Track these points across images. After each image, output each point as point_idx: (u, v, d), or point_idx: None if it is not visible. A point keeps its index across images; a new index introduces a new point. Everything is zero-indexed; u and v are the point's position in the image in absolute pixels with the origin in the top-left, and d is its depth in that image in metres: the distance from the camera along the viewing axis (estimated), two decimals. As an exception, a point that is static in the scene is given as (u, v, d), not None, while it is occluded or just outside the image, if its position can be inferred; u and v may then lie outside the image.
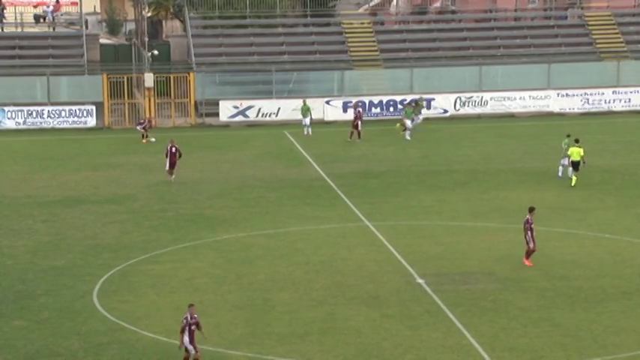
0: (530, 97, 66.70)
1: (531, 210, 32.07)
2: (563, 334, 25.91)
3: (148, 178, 47.99)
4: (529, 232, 31.75)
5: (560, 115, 65.35)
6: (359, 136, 56.29)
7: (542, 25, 75.79)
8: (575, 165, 43.54)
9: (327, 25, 74.91)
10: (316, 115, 65.24)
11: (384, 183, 45.67)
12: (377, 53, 70.58)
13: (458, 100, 66.40)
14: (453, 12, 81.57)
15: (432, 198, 42.28)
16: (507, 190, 43.44)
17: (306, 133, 58.76)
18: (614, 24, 72.50)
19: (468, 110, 66.25)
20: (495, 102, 66.59)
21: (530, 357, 24.42)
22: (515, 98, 66.63)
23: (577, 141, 44.28)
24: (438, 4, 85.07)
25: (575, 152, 43.74)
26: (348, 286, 30.25)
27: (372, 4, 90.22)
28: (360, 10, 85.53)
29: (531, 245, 31.80)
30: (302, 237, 36.28)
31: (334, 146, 55.99)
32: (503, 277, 30.85)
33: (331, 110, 65.77)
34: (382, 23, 77.37)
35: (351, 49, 70.83)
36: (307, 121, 58.93)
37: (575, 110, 66.18)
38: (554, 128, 59.63)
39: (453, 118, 65.37)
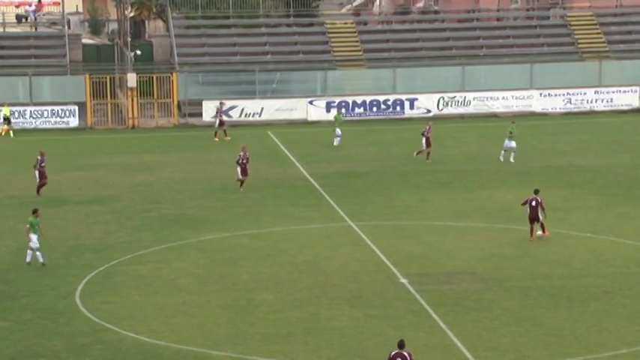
0: (512, 97, 66.90)
1: (537, 192, 34.51)
2: (546, 334, 25.98)
3: (132, 178, 47.90)
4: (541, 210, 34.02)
5: (543, 115, 65.54)
6: (428, 156, 50.35)
7: (525, 25, 76.03)
8: None
9: (310, 25, 74.93)
10: (299, 115, 65.30)
11: (367, 183, 45.72)
12: (360, 53, 70.64)
13: (441, 100, 66.53)
14: (436, 12, 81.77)
15: (416, 198, 42.34)
16: (490, 190, 43.55)
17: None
18: (595, 24, 72.79)
19: (451, 110, 66.39)
20: (478, 102, 66.75)
21: (513, 356, 24.47)
22: (497, 98, 66.80)
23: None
24: (420, 4, 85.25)
25: None
26: (332, 286, 30.26)
27: (355, 4, 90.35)
28: (343, 10, 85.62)
29: (541, 218, 34.07)
30: (286, 237, 36.27)
31: (318, 146, 55.99)
32: (486, 276, 30.92)
33: (314, 110, 65.78)
34: (365, 23, 77.46)
35: (334, 49, 70.88)
36: (338, 131, 55.94)
37: (558, 110, 66.41)
38: (536, 128, 59.80)
39: (436, 118, 65.45)
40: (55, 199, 42.90)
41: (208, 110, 65.20)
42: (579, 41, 71.76)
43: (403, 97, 66.45)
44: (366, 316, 27.39)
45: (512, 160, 47.68)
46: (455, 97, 66.68)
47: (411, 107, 66.22)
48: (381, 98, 66.22)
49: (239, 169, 43.49)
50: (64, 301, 28.96)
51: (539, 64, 68.17)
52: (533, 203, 34.38)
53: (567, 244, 34.49)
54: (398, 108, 66.24)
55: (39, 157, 43.86)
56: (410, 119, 65.38)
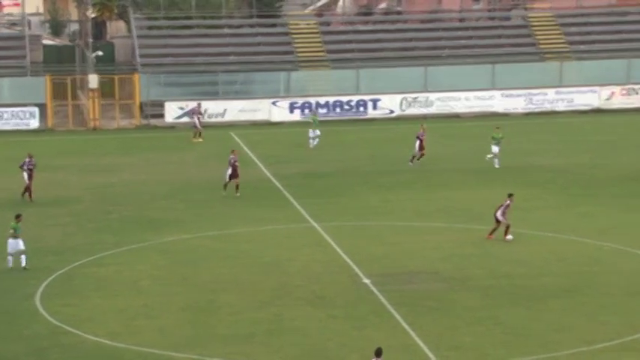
0: (474, 97, 67.16)
1: (510, 195, 34.69)
2: (506, 332, 26.12)
3: (92, 180, 47.60)
4: (503, 211, 34.27)
5: (504, 115, 65.85)
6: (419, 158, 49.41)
7: (487, 25, 76.39)
8: None
9: (274, 25, 74.84)
10: (262, 116, 65.21)
11: (330, 184, 45.72)
12: (323, 54, 70.67)
13: (404, 101, 66.67)
14: (399, 13, 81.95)
15: (378, 198, 42.40)
16: (452, 190, 43.69)
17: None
18: (556, 25, 73.25)
19: (413, 110, 66.55)
20: (441, 102, 66.96)
21: (474, 355, 24.57)
22: (460, 98, 67.04)
23: None
24: (383, 5, 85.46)
25: None
26: (294, 286, 30.24)
27: (318, 4, 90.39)
28: (307, 11, 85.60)
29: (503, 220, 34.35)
30: (248, 238, 36.20)
31: (281, 147, 55.93)
32: (448, 276, 31.03)
33: (277, 111, 65.71)
34: (328, 24, 77.49)
35: (298, 49, 70.85)
36: (313, 132, 55.36)
37: (519, 110, 66.76)
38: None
39: (399, 119, 65.62)
40: (15, 202, 42.50)
41: (170, 111, 64.93)
42: (540, 42, 72.20)
43: (366, 97, 66.55)
44: (328, 317, 27.39)
45: (496, 165, 47.40)
46: (417, 97, 66.85)
47: (374, 108, 66.31)
48: (344, 99, 66.28)
49: (229, 172, 42.47)
50: (23, 304, 28.72)
51: (501, 64, 68.48)
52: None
53: (528, 243, 34.67)
54: (361, 108, 66.34)
55: (27, 159, 43.43)
56: (373, 120, 65.48)
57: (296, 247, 34.76)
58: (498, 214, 34.61)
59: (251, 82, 67.72)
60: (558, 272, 31.36)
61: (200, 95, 65.74)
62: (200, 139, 58.08)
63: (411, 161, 48.90)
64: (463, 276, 31.00)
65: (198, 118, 58.77)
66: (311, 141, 54.85)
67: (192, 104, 64.18)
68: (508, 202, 34.74)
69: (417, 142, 49.09)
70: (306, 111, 64.85)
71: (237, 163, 42.50)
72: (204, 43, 71.11)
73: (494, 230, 34.75)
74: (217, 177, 47.41)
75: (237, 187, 42.29)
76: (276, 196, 43.10)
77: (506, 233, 34.68)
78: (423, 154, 48.83)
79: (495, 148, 47.58)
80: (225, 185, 42.56)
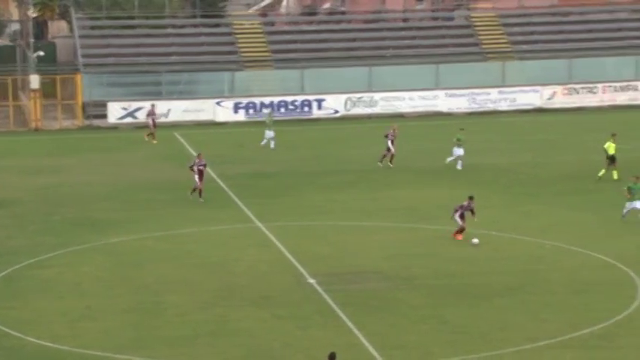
0: (418, 97, 67.44)
1: (471, 198, 34.87)
2: (451, 331, 26.25)
3: (34, 181, 47.05)
4: (458, 215, 34.47)
5: (448, 115, 66.22)
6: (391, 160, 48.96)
7: (430, 25, 76.77)
8: (612, 159, 44.50)
9: (217, 26, 74.57)
10: (207, 116, 64.93)
11: (275, 184, 45.65)
12: (267, 54, 70.56)
13: (348, 101, 66.78)
14: (343, 13, 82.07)
15: (323, 198, 42.42)
16: (397, 190, 43.84)
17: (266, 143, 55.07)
18: (499, 25, 73.82)
19: (358, 110, 66.68)
20: (385, 102, 67.15)
21: (419, 354, 24.67)
22: (404, 98, 67.28)
23: (613, 135, 45.07)
24: (327, 5, 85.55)
25: (611, 147, 44.58)
26: (239, 287, 30.15)
27: (262, 5, 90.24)
28: (250, 11, 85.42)
29: (461, 224, 34.60)
30: (193, 239, 36.03)
31: (226, 147, 55.71)
32: (393, 275, 31.12)
33: (222, 111, 65.48)
34: (272, 24, 77.38)
35: (242, 49, 70.66)
36: (269, 133, 54.94)
37: (463, 110, 67.18)
38: (442, 128, 60.38)
39: (344, 119, 65.72)
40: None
41: (113, 112, 64.42)
42: (483, 42, 72.70)
43: (311, 97, 66.55)
44: (273, 317, 27.34)
45: (459, 167, 47.30)
46: (362, 97, 67.00)
47: (319, 108, 66.33)
48: (289, 99, 66.23)
49: (197, 176, 41.40)
50: (-36, 308, 28.31)
51: (445, 64, 68.86)
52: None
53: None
54: (306, 108, 66.33)
55: None
56: (318, 120, 65.50)
57: (241, 247, 34.65)
58: (456, 215, 34.61)
59: (195, 83, 67.40)
60: (502, 271, 31.59)
61: (143, 95, 65.27)
62: (151, 140, 57.47)
63: (380, 161, 48.70)
64: (408, 275, 31.12)
65: (153, 119, 58.29)
66: (271, 142, 54.44)
67: (135, 104, 63.78)
68: (466, 203, 34.74)
69: (388, 143, 48.92)
70: (251, 111, 64.76)
71: (202, 168, 41.57)
72: (148, 43, 70.65)
73: (462, 230, 34.61)
74: (161, 177, 47.23)
75: (200, 192, 41.49)
76: (221, 197, 42.93)
77: (456, 233, 34.76)
78: (392, 155, 48.70)
79: (459, 150, 47.46)
80: (195, 190, 41.51)
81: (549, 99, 67.90)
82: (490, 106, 67.50)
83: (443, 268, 31.90)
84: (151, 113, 58.75)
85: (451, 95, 67.63)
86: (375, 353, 24.63)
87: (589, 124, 61.26)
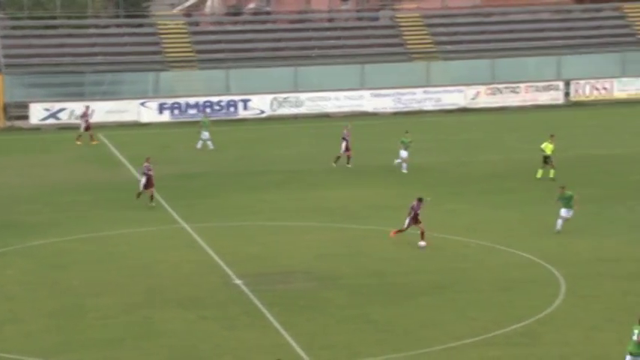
0: (344, 97, 67.64)
1: (420, 200, 34.41)
2: (378, 330, 26.36)
3: (-45, 183, 46.23)
4: (409, 216, 34.08)
5: (374, 115, 66.52)
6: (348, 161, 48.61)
7: (355, 26, 77.03)
8: (546, 158, 44.55)
9: (141, 25, 73.98)
10: (131, 117, 64.36)
11: (201, 185, 45.42)
12: (192, 54, 70.18)
13: (274, 101, 66.73)
14: (268, 13, 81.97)
15: (251, 198, 42.31)
16: (324, 190, 43.89)
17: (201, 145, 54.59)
18: (423, 25, 74.37)
19: (284, 111, 66.67)
20: (311, 102, 67.23)
21: (346, 353, 24.72)
22: (330, 98, 67.43)
23: (552, 136, 45.29)
24: (252, 5, 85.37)
25: (548, 147, 44.65)
26: (165, 289, 29.94)
27: (186, 4, 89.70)
28: (175, 11, 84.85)
29: (404, 226, 34.11)
30: (118, 240, 35.68)
31: (150, 148, 55.16)
32: (320, 275, 31.15)
33: (146, 112, 64.96)
34: (197, 24, 76.98)
35: (166, 50, 70.19)
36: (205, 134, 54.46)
37: (388, 110, 67.53)
38: (368, 128, 60.65)
39: (270, 119, 65.65)
40: None
41: (35, 113, 63.52)
42: (408, 42, 73.18)
43: (236, 98, 66.35)
44: (200, 318, 27.20)
45: (404, 170, 47.19)
46: (288, 97, 67.00)
47: (245, 108, 66.16)
48: (215, 99, 65.95)
49: (143, 180, 40.76)
50: None
51: (370, 64, 69.16)
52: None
53: (399, 241, 35.01)
54: (231, 109, 66.12)
55: None
56: (244, 120, 65.32)
57: (167, 248, 34.42)
58: (408, 220, 34.25)
59: (119, 83, 66.76)
60: (429, 269, 31.81)
61: (66, 96, 64.48)
62: (79, 142, 56.74)
63: (335, 162, 48.43)
64: (335, 275, 31.18)
65: (86, 121, 57.51)
66: (208, 142, 54.04)
67: (58, 105, 63.00)
68: (415, 203, 34.50)
69: (343, 143, 48.79)
70: (176, 111, 64.43)
71: (151, 172, 40.89)
72: (71, 43, 69.81)
73: (422, 233, 34.24)
74: (85, 179, 46.68)
75: (151, 197, 40.67)
76: (146, 198, 42.51)
77: (398, 231, 34.38)
78: (349, 155, 48.54)
79: (404, 153, 47.36)
80: (139, 194, 40.80)
81: (473, 99, 68.59)
82: (415, 106, 67.94)
83: (370, 267, 32.03)
84: (85, 115, 58.01)
85: (376, 95, 67.94)
86: (302, 353, 24.62)
87: (512, 124, 62.03)
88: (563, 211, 35.53)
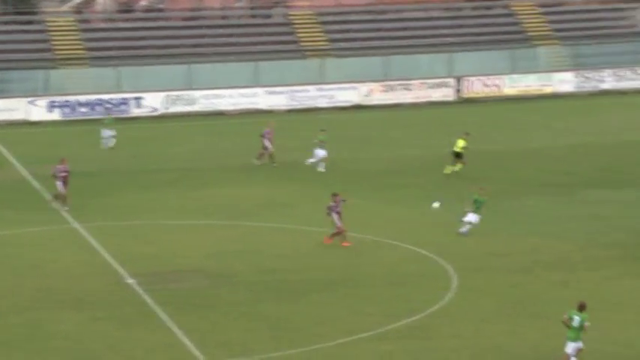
0: (238, 94, 67.43)
1: (334, 195, 34.10)
2: (272, 327, 26.34)
3: None
4: (335, 215, 33.69)
5: (268, 112, 66.43)
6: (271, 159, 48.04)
7: (249, 23, 76.83)
8: (457, 155, 44.59)
9: (30, 22, 72.56)
10: (20, 115, 63.11)
11: (92, 183, 44.70)
12: (83, 52, 69.08)
13: (167, 99, 66.15)
14: (160, 10, 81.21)
15: (144, 197, 41.85)
16: (217, 188, 43.65)
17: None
18: (317, 23, 74.56)
19: (177, 109, 66.12)
20: (205, 100, 66.83)
21: (240, 350, 24.64)
22: (224, 96, 67.14)
23: (467, 134, 45.40)
24: (144, 2, 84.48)
25: (459, 144, 44.78)
26: (56, 289, 29.43)
27: (76, 1, 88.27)
28: (64, 8, 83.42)
29: (338, 225, 33.61)
30: (6, 241, 34.95)
31: (40, 147, 54.22)
32: (213, 273, 30.99)
33: (36, 110, 63.73)
34: (88, 21, 75.82)
35: (56, 47, 68.94)
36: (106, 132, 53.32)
37: (282, 107, 67.55)
38: (262, 125, 60.50)
39: (163, 117, 65.04)
40: None
41: None
42: (301, 39, 73.31)
43: (128, 95, 65.57)
44: (92, 319, 26.81)
45: (322, 169, 46.81)
46: (181, 95, 66.49)
47: (137, 106, 65.42)
48: (106, 97, 65.05)
49: (59, 183, 39.37)
50: None
51: (264, 62, 69.07)
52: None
53: (292, 238, 35.11)
54: (123, 107, 65.31)
55: None
56: (136, 118, 64.58)
57: (57, 249, 33.83)
58: (335, 218, 33.90)
59: (7, 81, 65.33)
60: (322, 266, 31.90)
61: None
62: None
63: (258, 159, 47.74)
64: (228, 272, 31.06)
65: None
66: (105, 141, 53.26)
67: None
68: (333, 203, 34.20)
69: (266, 141, 48.24)
70: (67, 110, 63.47)
71: (65, 174, 39.56)
72: (-43, 40, 68.12)
73: (335, 234, 33.98)
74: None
75: (64, 199, 39.63)
76: (36, 198, 41.77)
77: (335, 234, 34.00)
78: (272, 154, 48.02)
79: (321, 152, 47.11)
80: (57, 196, 39.60)
81: (367, 96, 69.05)
82: (309, 103, 68.10)
83: (263, 264, 31.98)
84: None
85: (271, 92, 67.89)
86: (195, 352, 24.46)
87: (405, 121, 62.61)
88: (473, 217, 34.90)
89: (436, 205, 34.83)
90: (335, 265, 31.97)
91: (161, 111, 65.91)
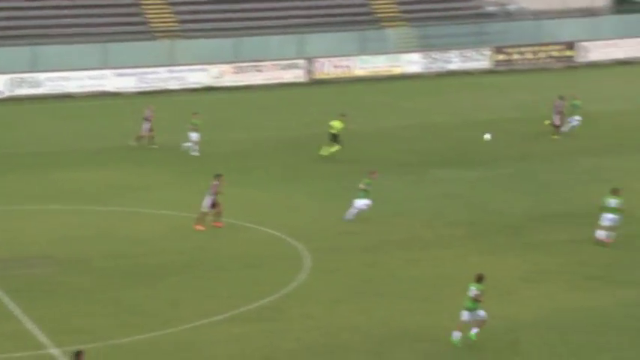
0: (87, 76, 66.03)
1: (217, 176, 33.79)
2: (126, 312, 25.93)
3: None
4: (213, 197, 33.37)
5: (117, 95, 65.31)
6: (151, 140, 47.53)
7: (97, 4, 75.18)
8: (334, 136, 44.45)
9: None
10: None
11: None
12: None
13: (11, 82, 64.26)
14: (3, -11, 78.69)
15: (-13, 182, 40.58)
16: (66, 172, 42.60)
17: None
18: (166, 4, 73.60)
19: (22, 91, 64.32)
20: (51, 82, 65.19)
21: (91, 337, 24.11)
22: (71, 78, 65.64)
23: (343, 115, 45.79)
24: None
25: (335, 125, 44.58)
26: None
27: None
28: None
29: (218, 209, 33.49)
30: None
31: None
32: (62, 259, 30.27)
33: None
34: None
35: None
36: None
37: (132, 89, 66.48)
38: (111, 108, 59.55)
39: (7, 101, 63.14)
40: None
41: None
42: (151, 20, 72.25)
43: (-30, 78, 63.45)
44: None
45: (196, 153, 45.85)
46: (25, 78, 64.70)
47: None
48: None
49: None
50: None
51: (112, 43, 67.78)
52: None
53: (146, 222, 34.60)
54: (-34, 90, 63.16)
55: None
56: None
57: None
58: (208, 201, 33.48)
59: None
60: (176, 249, 31.55)
61: None
62: None
63: (136, 141, 46.91)
64: (79, 258, 30.39)
65: None
66: None
67: None
68: (216, 182, 33.84)
69: (147, 124, 47.06)
70: None
71: None
72: None
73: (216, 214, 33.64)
74: None
75: None
76: None
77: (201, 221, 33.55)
78: (152, 136, 46.96)
79: (194, 135, 46.33)
80: None
81: (218, 77, 68.59)
82: (160, 85, 67.21)
83: (115, 249, 31.41)
84: None
85: (120, 75, 66.72)
86: (44, 339, 23.86)
87: (257, 102, 62.48)
88: (362, 202, 34.40)
89: (487, 136, 35.35)
90: (189, 248, 31.67)
91: (5, 94, 64.01)
